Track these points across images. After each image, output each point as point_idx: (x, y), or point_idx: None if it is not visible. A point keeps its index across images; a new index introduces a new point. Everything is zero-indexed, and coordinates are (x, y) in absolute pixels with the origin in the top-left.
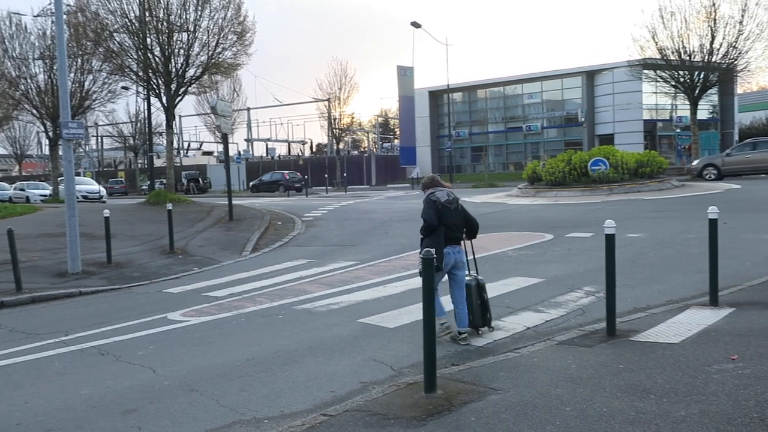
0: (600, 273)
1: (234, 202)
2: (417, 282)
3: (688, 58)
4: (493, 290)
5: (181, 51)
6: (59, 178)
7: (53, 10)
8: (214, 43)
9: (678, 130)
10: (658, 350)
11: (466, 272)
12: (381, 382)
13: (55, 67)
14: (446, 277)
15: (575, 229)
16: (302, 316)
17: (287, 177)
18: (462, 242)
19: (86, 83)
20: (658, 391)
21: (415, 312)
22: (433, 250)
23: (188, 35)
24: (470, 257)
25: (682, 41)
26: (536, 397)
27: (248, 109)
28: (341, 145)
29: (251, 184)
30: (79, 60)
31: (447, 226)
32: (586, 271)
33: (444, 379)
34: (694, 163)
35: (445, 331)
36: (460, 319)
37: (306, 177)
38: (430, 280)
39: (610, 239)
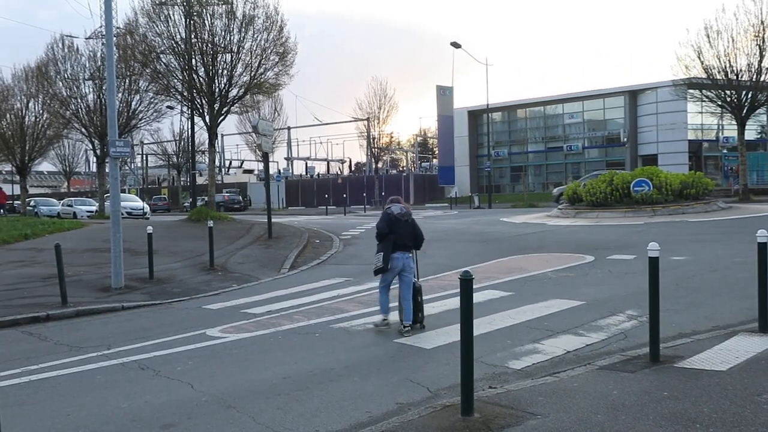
0: (643, 296)
1: (273, 219)
2: (454, 302)
3: (735, 77)
4: (531, 312)
5: (225, 72)
6: (105, 195)
7: (104, 33)
8: (256, 64)
9: (725, 151)
10: (704, 378)
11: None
12: (417, 404)
13: (104, 88)
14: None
15: (617, 251)
16: (339, 334)
17: (227, 198)
18: (412, 251)
19: (133, 103)
20: (704, 421)
21: (452, 333)
22: (394, 255)
23: (232, 56)
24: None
25: (729, 60)
26: (576, 424)
27: (288, 128)
28: (380, 164)
29: (198, 205)
30: (127, 80)
31: (397, 235)
32: (629, 295)
33: (481, 402)
34: (554, 191)
35: (383, 324)
36: (407, 314)
37: (248, 198)
38: (469, 304)
39: (653, 262)
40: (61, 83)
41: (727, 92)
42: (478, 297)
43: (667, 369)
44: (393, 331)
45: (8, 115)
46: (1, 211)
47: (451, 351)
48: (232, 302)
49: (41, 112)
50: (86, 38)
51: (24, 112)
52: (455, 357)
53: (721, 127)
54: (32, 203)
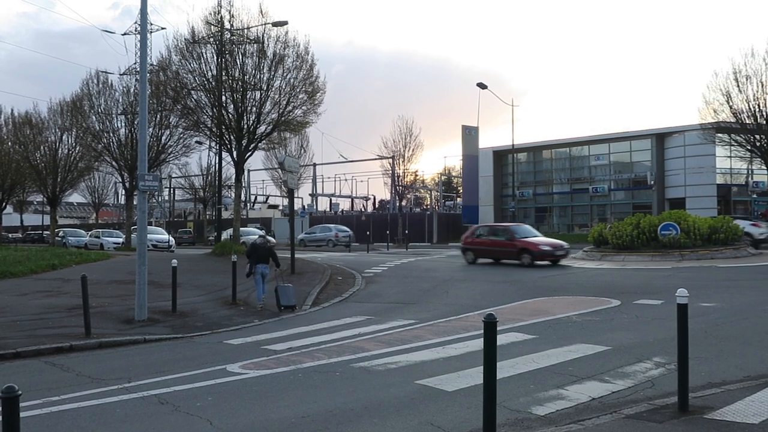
0: (671, 343)
1: (296, 255)
2: (477, 344)
3: (765, 122)
4: (556, 356)
5: (254, 109)
6: (132, 227)
7: (138, 70)
8: (285, 102)
9: (754, 196)
10: (735, 430)
11: (282, 283)
12: None
13: (135, 122)
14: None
15: (644, 295)
16: (359, 374)
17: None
18: (269, 262)
19: (163, 138)
20: None
21: (474, 376)
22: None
23: (261, 94)
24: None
25: (759, 104)
26: None
27: (314, 165)
28: (404, 202)
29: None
30: (158, 116)
31: (258, 255)
32: (656, 341)
33: None
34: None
35: (259, 307)
36: (259, 297)
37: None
38: (492, 348)
39: (682, 309)
40: (94, 117)
41: (757, 136)
42: (501, 339)
43: (696, 420)
44: (414, 372)
45: (42, 147)
46: None
47: (472, 394)
48: (253, 338)
49: (74, 144)
50: (120, 74)
51: (57, 144)
52: (477, 400)
53: (750, 172)
54: (61, 234)
